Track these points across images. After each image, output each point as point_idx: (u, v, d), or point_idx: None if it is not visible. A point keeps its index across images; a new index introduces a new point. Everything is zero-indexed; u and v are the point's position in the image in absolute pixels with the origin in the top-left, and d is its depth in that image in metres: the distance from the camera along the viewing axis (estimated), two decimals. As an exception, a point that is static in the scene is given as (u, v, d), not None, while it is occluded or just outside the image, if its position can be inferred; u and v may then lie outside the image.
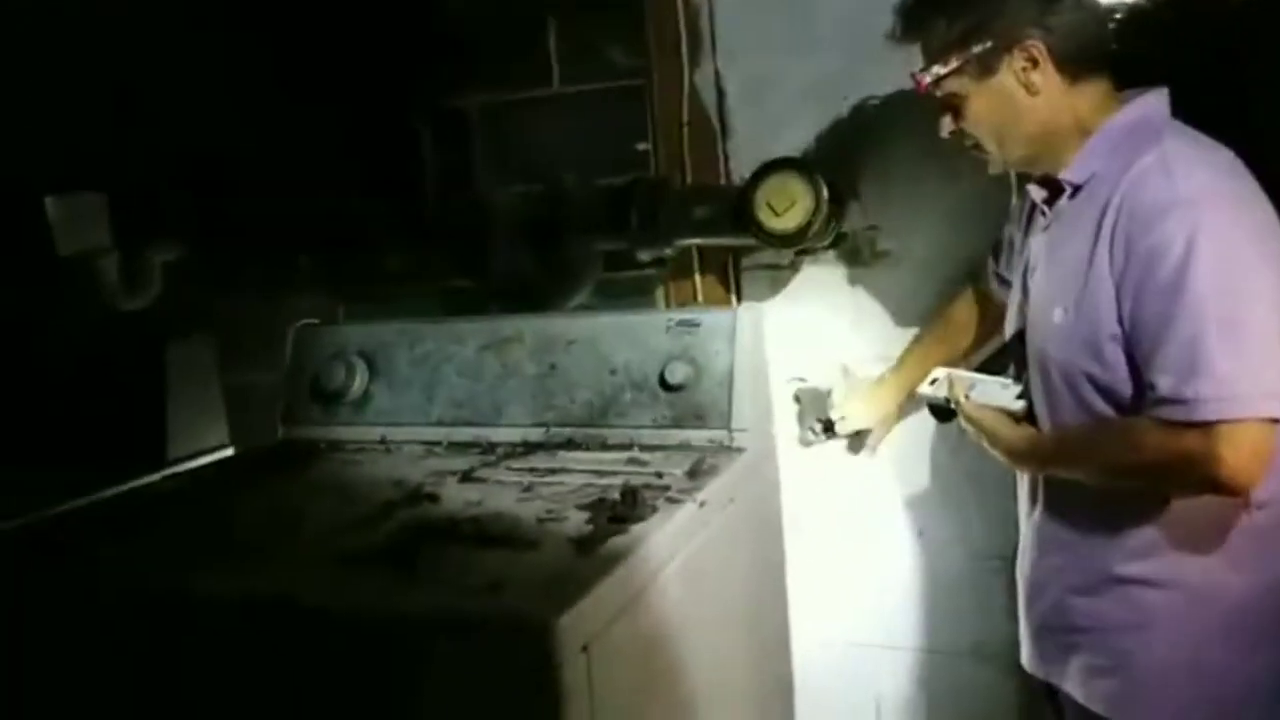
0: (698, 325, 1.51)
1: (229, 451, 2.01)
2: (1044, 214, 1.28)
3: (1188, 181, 1.10)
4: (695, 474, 1.34)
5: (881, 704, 1.87)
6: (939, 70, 1.23)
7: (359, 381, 1.75)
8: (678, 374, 1.47)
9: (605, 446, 1.50)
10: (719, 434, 1.45)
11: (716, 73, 1.82)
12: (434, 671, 1.00)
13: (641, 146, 1.94)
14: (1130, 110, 1.21)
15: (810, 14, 1.74)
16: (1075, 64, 1.20)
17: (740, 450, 1.44)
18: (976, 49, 1.20)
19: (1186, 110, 1.24)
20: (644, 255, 1.83)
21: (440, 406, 1.69)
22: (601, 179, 1.88)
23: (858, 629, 1.85)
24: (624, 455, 1.45)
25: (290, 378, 1.82)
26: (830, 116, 1.76)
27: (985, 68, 1.21)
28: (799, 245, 1.69)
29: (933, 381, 1.37)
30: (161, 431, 1.90)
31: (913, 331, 1.73)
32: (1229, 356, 1.05)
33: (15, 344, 1.95)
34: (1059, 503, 1.27)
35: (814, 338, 1.80)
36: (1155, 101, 1.22)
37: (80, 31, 2.01)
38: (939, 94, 1.27)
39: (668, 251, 1.82)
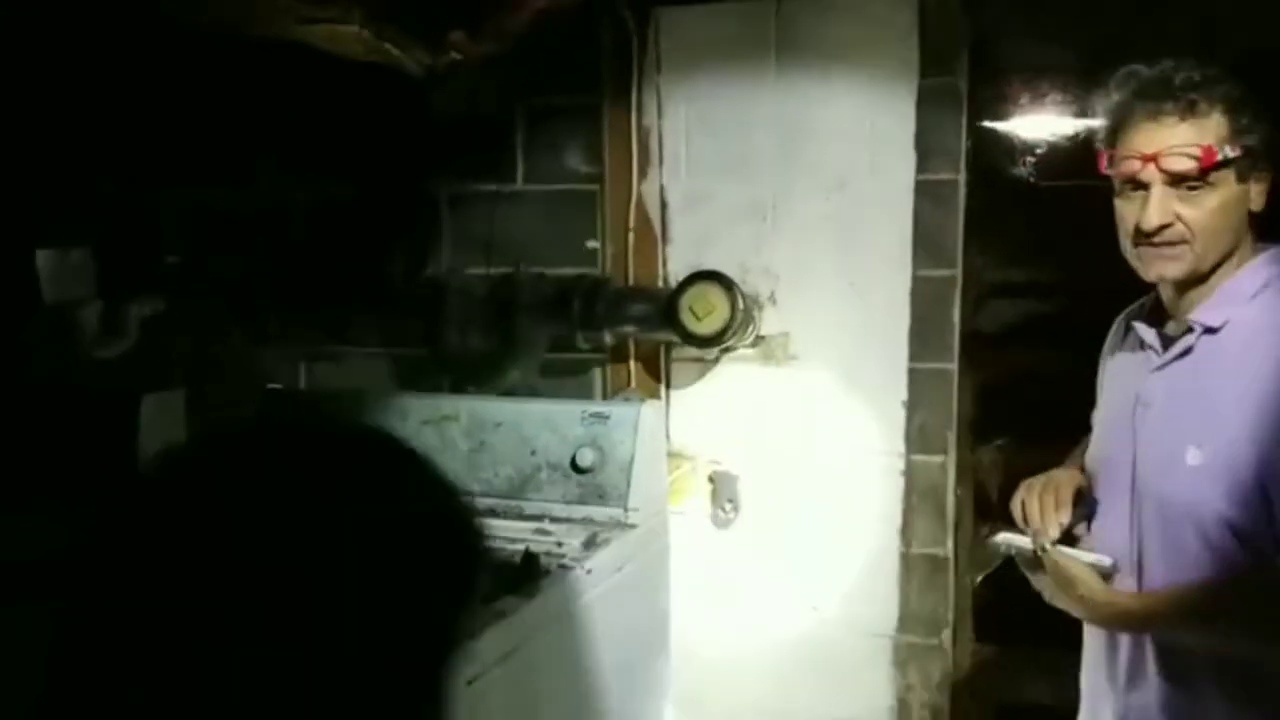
0: (607, 417, 1.85)
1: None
2: (1157, 353, 1.31)
3: None
4: (590, 545, 1.67)
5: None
6: (1229, 152, 1.21)
7: (312, 443, 2.07)
8: (587, 458, 1.81)
9: (521, 517, 1.82)
10: (616, 512, 1.78)
11: (661, 186, 2.19)
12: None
13: (591, 244, 2.28)
14: (1267, 261, 1.26)
15: (746, 141, 2.12)
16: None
17: (633, 526, 1.77)
18: (1254, 147, 1.22)
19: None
20: (583, 343, 2.19)
21: (382, 470, 2.01)
22: (553, 270, 2.24)
23: (741, 691, 2.15)
24: (534, 525, 1.78)
25: (252, 433, 2.14)
26: (756, 232, 2.13)
27: (1247, 170, 1.23)
28: (718, 346, 2.06)
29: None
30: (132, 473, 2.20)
31: (817, 426, 2.08)
32: None
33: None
34: (1184, 677, 1.23)
35: (731, 424, 2.14)
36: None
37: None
38: (1204, 178, 1.22)
39: (605, 341, 2.17)
